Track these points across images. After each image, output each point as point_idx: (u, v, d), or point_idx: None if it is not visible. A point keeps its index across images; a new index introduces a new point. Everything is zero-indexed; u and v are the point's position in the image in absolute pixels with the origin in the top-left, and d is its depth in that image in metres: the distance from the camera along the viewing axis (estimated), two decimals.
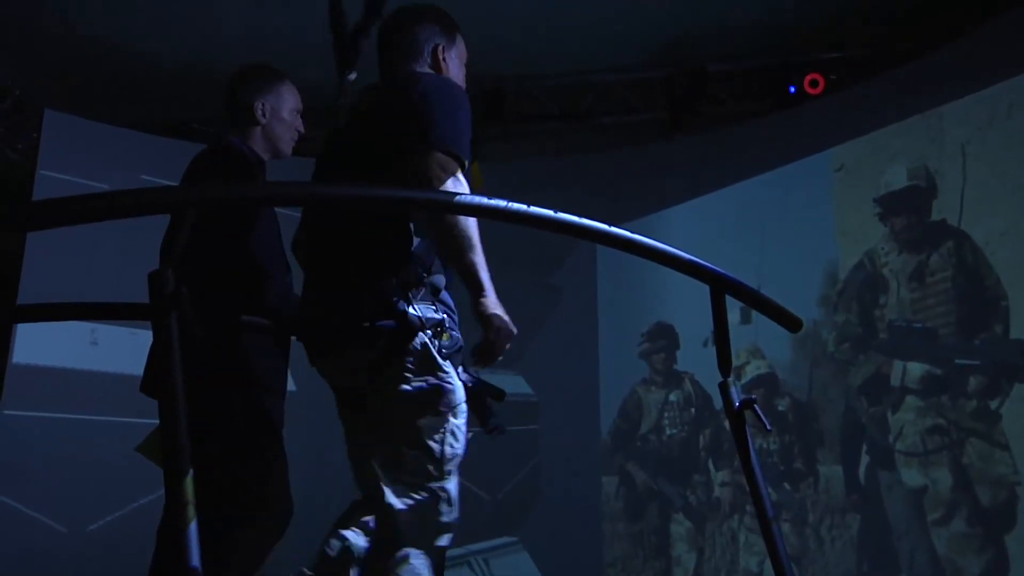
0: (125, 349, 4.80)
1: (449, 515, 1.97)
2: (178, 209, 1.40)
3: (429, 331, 1.96)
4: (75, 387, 5.29)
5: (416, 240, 2.01)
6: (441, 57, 2.23)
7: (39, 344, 5.24)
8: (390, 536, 1.93)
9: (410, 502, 1.92)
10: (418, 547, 1.92)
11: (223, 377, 2.28)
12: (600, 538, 6.02)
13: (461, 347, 2.04)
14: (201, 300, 2.06)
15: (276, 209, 2.51)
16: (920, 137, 4.74)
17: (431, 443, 1.94)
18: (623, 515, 5.95)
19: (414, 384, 1.95)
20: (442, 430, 1.96)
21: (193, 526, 1.22)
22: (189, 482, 1.23)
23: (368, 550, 1.99)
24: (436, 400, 1.96)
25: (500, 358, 1.92)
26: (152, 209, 1.38)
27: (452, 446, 1.97)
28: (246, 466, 2.32)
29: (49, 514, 5.03)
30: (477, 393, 2.07)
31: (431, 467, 1.94)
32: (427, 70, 2.20)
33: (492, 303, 1.91)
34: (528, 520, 6.19)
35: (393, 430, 1.97)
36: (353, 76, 2.74)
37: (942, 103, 4.66)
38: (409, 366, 1.95)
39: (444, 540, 1.98)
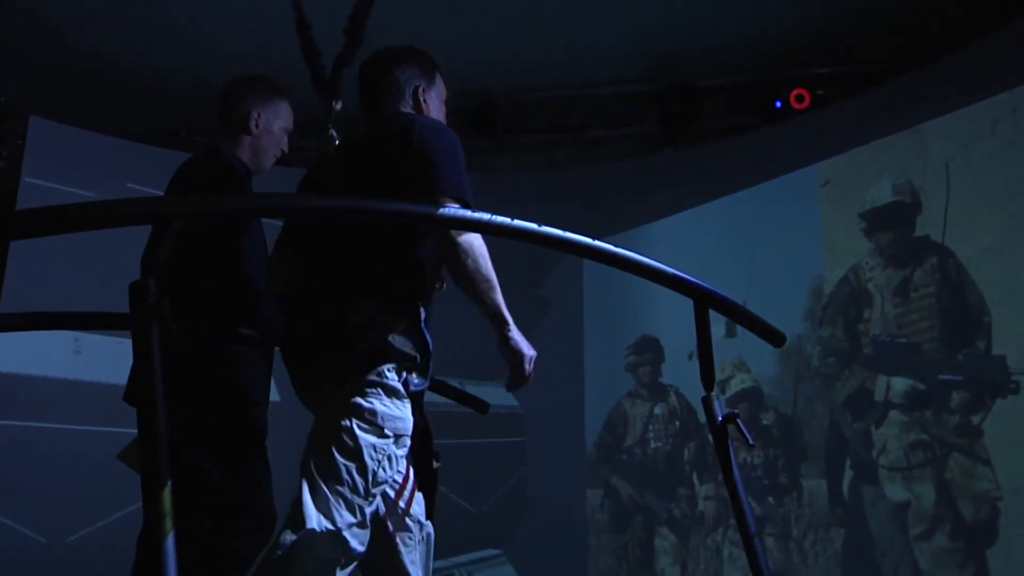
0: (109, 358, 4.77)
1: (361, 538, 1.98)
2: (162, 220, 1.39)
3: (402, 363, 2.02)
4: (58, 396, 5.24)
5: (410, 272, 2.08)
6: (422, 99, 2.28)
7: (21, 353, 5.19)
8: (291, 549, 1.92)
9: (327, 520, 1.93)
10: (323, 571, 1.92)
11: (206, 387, 2.27)
12: (585, 551, 6.01)
13: (424, 391, 2.10)
14: (185, 310, 2.07)
15: (263, 220, 2.50)
16: (905, 153, 4.77)
17: (367, 459, 1.97)
18: (608, 528, 5.95)
19: (369, 400, 1.99)
20: (381, 451, 1.99)
21: (171, 539, 1.21)
22: (167, 495, 1.23)
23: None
24: (385, 422, 1.99)
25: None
26: (134, 220, 1.37)
27: (385, 470, 2.00)
28: (229, 476, 2.31)
29: (28, 525, 4.98)
30: (426, 443, 2.14)
31: (359, 483, 1.97)
32: (409, 111, 2.26)
33: (517, 336, 2.04)
34: (513, 532, 6.17)
35: (334, 435, 1.99)
36: (339, 105, 2.74)
37: (927, 119, 4.70)
38: (372, 384, 2.00)
39: (353, 562, 1.97)
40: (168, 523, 1.21)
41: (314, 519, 1.92)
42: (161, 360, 1.37)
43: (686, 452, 5.64)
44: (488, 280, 2.03)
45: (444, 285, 2.24)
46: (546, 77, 6.02)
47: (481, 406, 2.67)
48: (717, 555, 5.31)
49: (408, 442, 2.06)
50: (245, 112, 2.54)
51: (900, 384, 4.59)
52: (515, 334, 2.04)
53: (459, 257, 2.00)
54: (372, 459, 1.97)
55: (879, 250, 4.83)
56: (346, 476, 1.95)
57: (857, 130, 5.07)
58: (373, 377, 1.99)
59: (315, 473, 1.97)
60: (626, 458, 5.94)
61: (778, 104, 5.74)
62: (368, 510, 1.99)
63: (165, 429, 1.27)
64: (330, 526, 1.93)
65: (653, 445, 5.83)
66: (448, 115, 2.38)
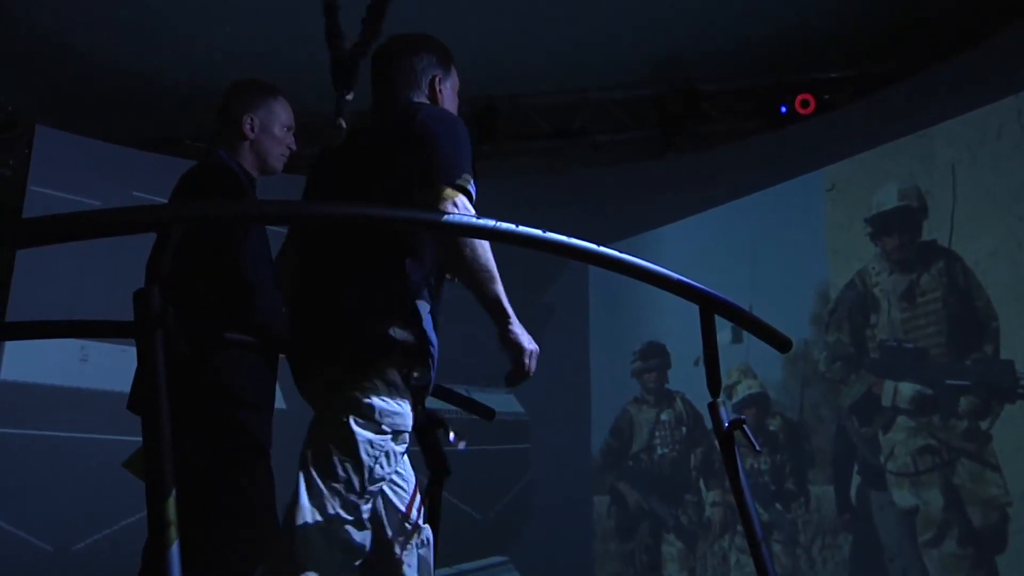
0: (115, 366, 4.77)
1: (359, 537, 1.94)
2: (163, 228, 1.39)
3: (403, 358, 1.97)
4: (65, 404, 5.25)
5: (413, 267, 2.02)
6: (438, 88, 2.25)
7: (28, 361, 5.20)
8: (287, 545, 1.90)
9: (321, 516, 1.90)
10: (320, 569, 1.88)
11: (208, 394, 2.27)
12: (591, 557, 6.00)
13: (428, 387, 2.05)
14: (189, 318, 2.07)
15: (268, 227, 2.50)
16: (911, 157, 4.76)
17: (364, 456, 1.93)
18: (614, 534, 5.93)
19: (368, 395, 1.95)
20: (379, 447, 1.95)
21: (175, 547, 1.20)
22: (171, 503, 1.22)
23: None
24: (383, 417, 1.95)
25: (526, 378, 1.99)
26: (137, 228, 1.37)
27: (382, 467, 1.96)
28: (234, 484, 2.30)
29: (34, 533, 4.98)
30: (430, 437, 2.13)
31: (356, 480, 1.93)
32: (424, 100, 2.22)
33: (518, 330, 1.97)
34: (519, 539, 6.16)
35: (331, 431, 1.96)
36: (350, 96, 2.73)
37: (933, 124, 4.69)
38: (371, 380, 1.96)
39: (352, 562, 1.94)
40: (173, 532, 1.21)
41: (308, 514, 1.89)
42: (165, 368, 1.36)
43: (693, 458, 5.62)
44: (487, 270, 1.95)
45: (455, 278, 2.18)
46: (548, 82, 6.03)
47: (487, 413, 2.66)
48: (724, 561, 5.29)
49: (408, 439, 2.02)
50: (239, 117, 2.53)
51: (907, 389, 4.57)
52: (516, 327, 1.96)
53: (457, 246, 1.94)
54: (369, 455, 1.93)
55: (885, 254, 4.82)
56: (341, 472, 1.92)
57: (863, 135, 5.06)
58: (372, 373, 1.95)
59: (311, 468, 1.93)
60: (632, 464, 5.93)
61: (783, 109, 5.74)
62: (365, 507, 1.95)
63: (169, 437, 1.27)
64: (322, 520, 1.89)
65: (660, 451, 5.81)
66: (460, 99, 2.34)
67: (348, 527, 1.92)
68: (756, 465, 5.14)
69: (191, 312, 2.16)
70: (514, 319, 1.97)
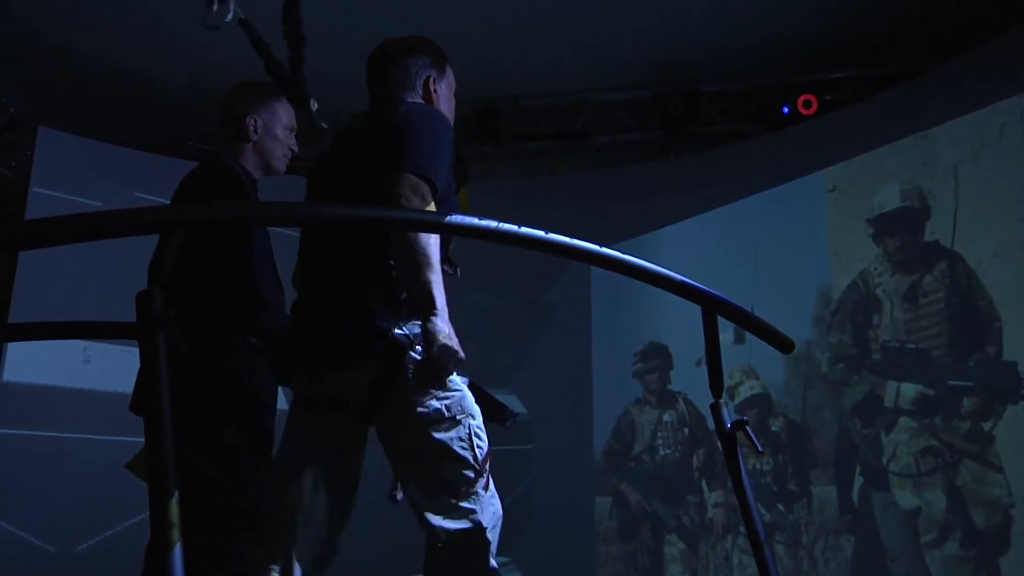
0: (118, 367, 4.77)
1: (493, 519, 1.98)
2: (165, 229, 1.39)
3: (419, 347, 1.96)
4: (67, 405, 5.25)
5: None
6: (432, 88, 2.28)
7: (31, 362, 5.21)
8: (445, 558, 1.93)
9: (457, 524, 1.93)
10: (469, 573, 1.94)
11: (210, 395, 2.27)
12: (593, 559, 5.99)
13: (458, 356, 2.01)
14: (193, 320, 2.07)
15: (271, 228, 2.50)
16: (913, 158, 4.76)
17: (463, 452, 1.96)
18: (616, 535, 5.92)
19: (425, 404, 1.96)
20: (467, 435, 1.98)
21: (177, 549, 1.20)
22: (174, 505, 1.22)
23: None
24: (450, 411, 1.97)
25: (443, 380, 1.95)
26: (139, 229, 1.37)
27: (480, 447, 1.99)
28: (236, 487, 2.30)
29: (37, 534, 4.98)
30: (481, 392, 2.09)
31: (470, 473, 1.96)
32: (419, 100, 2.25)
33: (442, 323, 1.90)
34: (521, 540, 6.15)
35: (424, 454, 1.97)
36: (315, 105, 2.75)
37: (935, 124, 4.68)
38: (412, 382, 1.96)
39: (493, 559, 1.98)
40: (175, 533, 1.20)
41: (445, 531, 1.93)
42: (168, 369, 1.36)
43: (695, 459, 5.62)
44: (424, 255, 1.89)
45: (458, 271, 2.16)
46: (549, 83, 6.03)
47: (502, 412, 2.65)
48: (727, 563, 5.28)
49: (475, 406, 2.03)
50: (242, 119, 2.54)
51: (910, 390, 4.57)
52: (440, 321, 1.89)
53: (400, 232, 1.92)
54: (465, 449, 1.96)
55: (887, 255, 4.81)
56: (459, 479, 1.95)
57: (865, 135, 5.06)
58: (405, 372, 1.95)
59: (426, 501, 1.95)
60: (635, 465, 5.92)
61: (785, 110, 5.74)
62: (480, 484, 1.97)
63: (172, 439, 1.27)
64: (467, 525, 1.94)
65: (662, 452, 5.81)
66: (462, 98, 2.38)
67: (484, 515, 1.96)
68: (758, 466, 5.14)
69: (194, 314, 2.16)
70: (442, 311, 1.90)
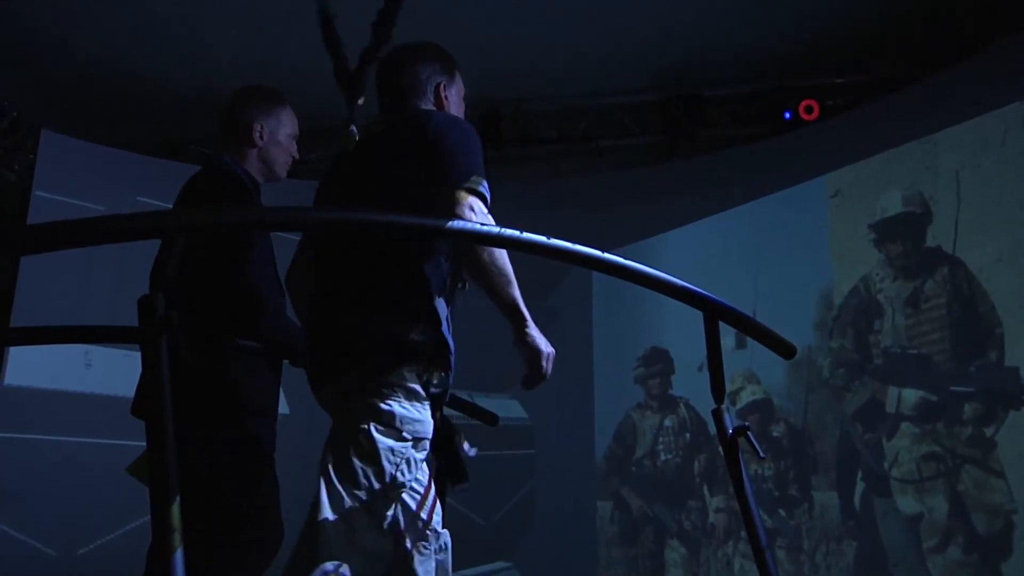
0: (119, 371, 4.78)
1: (379, 542, 1.94)
2: (168, 234, 1.39)
3: (422, 364, 1.98)
4: (69, 409, 5.26)
5: (432, 271, 2.03)
6: (443, 95, 2.28)
7: (33, 366, 5.21)
8: (311, 543, 1.89)
9: (343, 523, 1.89)
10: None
11: (211, 399, 2.27)
12: (595, 563, 5.99)
13: (446, 393, 2.05)
14: (194, 324, 2.07)
15: (272, 233, 2.50)
16: (915, 163, 4.76)
17: (385, 463, 1.93)
18: (618, 540, 5.92)
19: (388, 402, 1.95)
20: (400, 455, 1.95)
21: (179, 552, 1.21)
22: (175, 508, 1.22)
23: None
24: (404, 424, 1.96)
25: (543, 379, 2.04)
26: (142, 234, 1.37)
27: (404, 474, 1.96)
28: (237, 491, 2.30)
29: (38, 537, 4.98)
30: (450, 445, 2.10)
31: (377, 486, 1.93)
32: (430, 107, 2.25)
33: (535, 333, 2.02)
34: (523, 545, 6.15)
35: (352, 437, 1.95)
36: (362, 101, 2.74)
37: (937, 130, 4.68)
38: (391, 386, 1.96)
39: (372, 567, 1.93)
40: (177, 537, 1.21)
41: (329, 520, 1.89)
42: (169, 373, 1.36)
43: (696, 464, 5.62)
44: (505, 274, 1.99)
45: (467, 285, 2.19)
46: (551, 87, 6.04)
47: (490, 418, 2.66)
48: (728, 568, 5.27)
49: (427, 446, 2.02)
50: (248, 124, 2.54)
51: (911, 396, 4.56)
52: (533, 330, 2.02)
53: (475, 251, 1.98)
54: (390, 462, 1.94)
55: (889, 261, 4.81)
56: (363, 479, 1.92)
57: (867, 141, 5.06)
58: (392, 379, 1.96)
59: (332, 474, 1.93)
60: (636, 470, 5.92)
61: (787, 115, 5.75)
62: (386, 513, 1.95)
63: (173, 442, 1.27)
64: (344, 527, 1.89)
65: (663, 457, 5.80)
66: (466, 111, 2.38)
67: (369, 532, 1.92)
68: (760, 471, 5.13)
69: (196, 318, 2.16)
70: (531, 322, 2.02)
